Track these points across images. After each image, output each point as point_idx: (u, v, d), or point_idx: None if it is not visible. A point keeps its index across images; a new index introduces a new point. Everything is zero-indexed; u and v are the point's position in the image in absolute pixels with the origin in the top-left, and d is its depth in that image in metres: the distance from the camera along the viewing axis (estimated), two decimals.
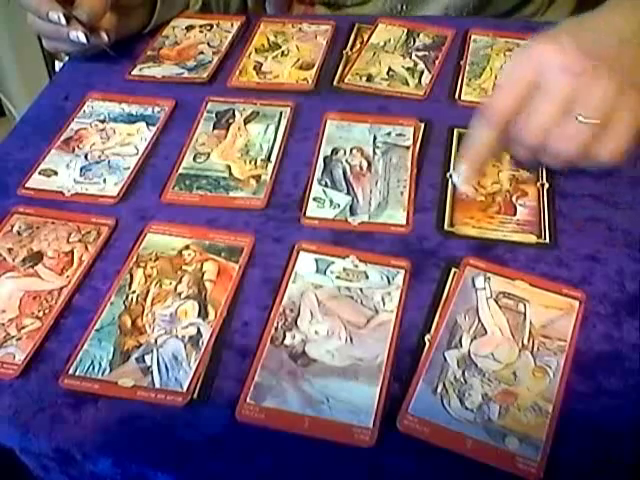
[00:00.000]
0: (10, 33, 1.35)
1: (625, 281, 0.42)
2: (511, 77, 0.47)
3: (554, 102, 0.45)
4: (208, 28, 0.68)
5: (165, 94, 0.60)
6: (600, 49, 0.46)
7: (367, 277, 0.43)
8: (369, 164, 0.52)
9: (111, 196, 0.50)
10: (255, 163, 0.52)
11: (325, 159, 0.52)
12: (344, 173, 0.51)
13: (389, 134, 0.54)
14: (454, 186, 0.49)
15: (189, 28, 0.69)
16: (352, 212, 0.48)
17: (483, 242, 0.45)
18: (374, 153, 0.52)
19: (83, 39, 0.58)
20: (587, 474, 0.34)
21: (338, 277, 0.43)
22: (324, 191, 0.50)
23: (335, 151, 0.53)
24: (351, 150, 0.53)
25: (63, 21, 0.56)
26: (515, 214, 0.47)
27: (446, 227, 0.46)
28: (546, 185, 0.49)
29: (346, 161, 0.52)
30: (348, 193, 0.49)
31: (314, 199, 0.49)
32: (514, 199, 0.48)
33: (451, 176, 0.49)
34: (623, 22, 0.48)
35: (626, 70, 0.45)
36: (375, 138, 0.54)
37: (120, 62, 0.64)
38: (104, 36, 0.60)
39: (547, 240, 0.45)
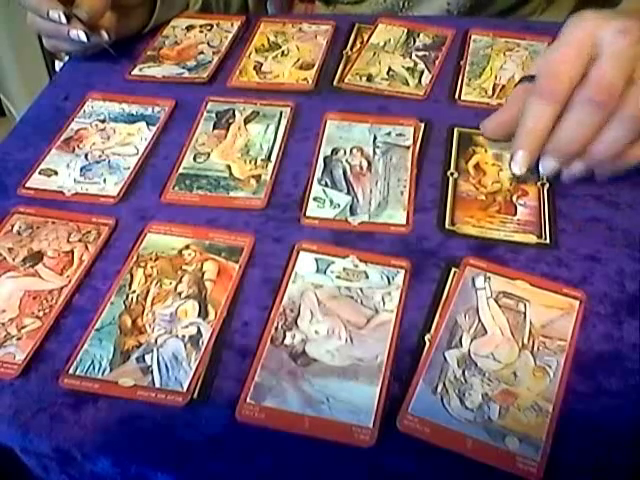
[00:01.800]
0: (10, 33, 1.35)
1: (625, 281, 0.42)
2: (566, 45, 0.43)
3: (618, 64, 0.42)
4: (208, 28, 0.68)
5: (165, 94, 0.60)
6: (633, 22, 0.43)
7: (367, 277, 0.43)
8: (369, 164, 0.52)
9: (111, 196, 0.50)
10: (255, 163, 0.52)
11: (325, 159, 0.52)
12: (344, 173, 0.51)
13: (389, 134, 0.54)
14: (514, 175, 0.47)
15: (189, 28, 0.69)
16: (352, 212, 0.48)
17: (483, 242, 0.45)
18: (374, 153, 0.52)
19: (83, 38, 0.58)
20: (587, 474, 0.34)
21: (338, 277, 0.43)
22: (324, 191, 0.50)
23: (335, 151, 0.53)
24: (351, 150, 0.53)
25: (63, 20, 0.56)
26: (515, 214, 0.47)
27: (447, 226, 0.46)
28: (546, 185, 0.49)
29: (346, 161, 0.52)
30: (348, 193, 0.49)
31: (314, 199, 0.49)
32: (514, 199, 0.48)
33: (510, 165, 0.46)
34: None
35: None
36: (375, 138, 0.54)
37: (120, 62, 0.64)
38: (104, 35, 0.60)
39: (547, 240, 0.45)
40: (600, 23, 0.43)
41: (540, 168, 0.46)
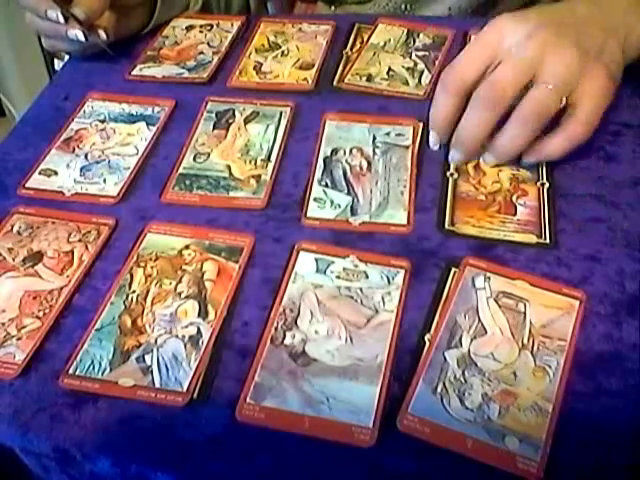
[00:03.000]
0: (10, 33, 1.36)
1: (625, 281, 0.42)
2: (475, 43, 0.48)
3: (519, 65, 0.45)
4: (208, 28, 0.68)
5: (165, 94, 0.60)
6: (563, 24, 0.47)
7: (367, 277, 0.43)
8: (369, 164, 0.52)
9: (111, 196, 0.50)
10: (255, 163, 0.52)
11: (325, 159, 0.52)
12: (344, 173, 0.51)
13: (388, 134, 0.54)
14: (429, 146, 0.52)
15: (189, 28, 0.69)
16: (353, 212, 0.48)
17: (483, 242, 0.45)
18: (374, 153, 0.52)
19: (81, 37, 0.58)
20: (587, 474, 0.34)
21: (338, 277, 0.43)
22: (324, 191, 0.50)
23: (335, 151, 0.53)
24: (351, 150, 0.53)
25: (61, 19, 0.56)
26: (515, 214, 0.47)
27: (447, 226, 0.46)
28: (546, 185, 0.49)
29: (346, 161, 0.52)
30: (348, 193, 0.49)
31: (315, 199, 0.49)
32: (514, 199, 0.48)
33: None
34: (583, 9, 0.49)
35: (588, 45, 0.46)
36: (375, 138, 0.54)
37: (120, 62, 0.64)
38: (102, 34, 0.60)
39: (547, 240, 0.45)
40: (512, 26, 0.46)
41: (449, 158, 0.50)
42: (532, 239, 0.45)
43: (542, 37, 0.45)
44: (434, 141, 0.51)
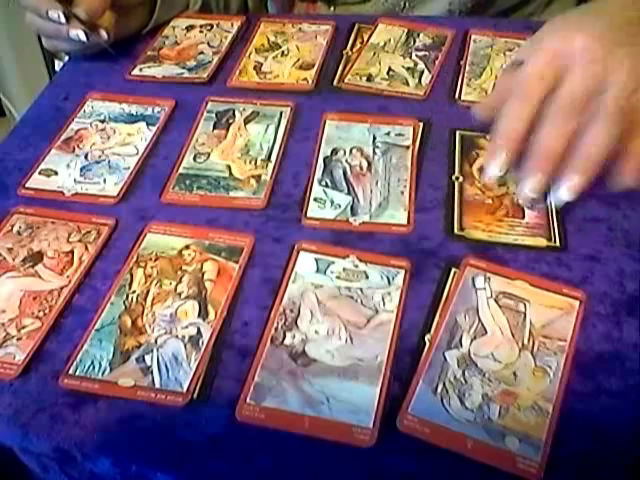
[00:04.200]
0: (10, 33, 1.35)
1: (625, 281, 0.42)
2: (540, 51, 0.44)
3: (587, 73, 0.42)
4: (208, 28, 0.68)
5: (165, 94, 0.60)
6: (610, 31, 0.44)
7: (367, 277, 0.43)
8: (369, 164, 0.52)
9: (111, 196, 0.50)
10: (255, 163, 0.52)
11: (325, 159, 0.52)
12: (344, 173, 0.51)
13: (388, 134, 0.54)
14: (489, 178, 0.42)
15: (189, 28, 0.69)
16: (353, 212, 0.48)
17: (484, 243, 0.45)
18: (374, 153, 0.52)
19: (83, 37, 0.58)
20: (587, 474, 0.34)
21: (338, 277, 0.43)
22: (325, 191, 0.50)
23: (335, 151, 0.53)
24: (351, 150, 0.53)
25: (63, 19, 0.56)
26: (524, 217, 0.47)
27: (456, 231, 0.46)
28: None
29: (346, 161, 0.52)
30: (349, 193, 0.49)
31: (315, 199, 0.49)
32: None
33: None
34: (622, 8, 0.46)
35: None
36: (374, 138, 0.54)
37: (120, 62, 0.64)
38: (103, 34, 0.60)
39: (557, 243, 0.45)
40: (573, 34, 0.44)
41: (525, 190, 0.41)
42: (542, 242, 0.45)
43: (609, 40, 0.43)
44: (502, 165, 0.41)
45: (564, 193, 0.40)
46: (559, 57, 0.44)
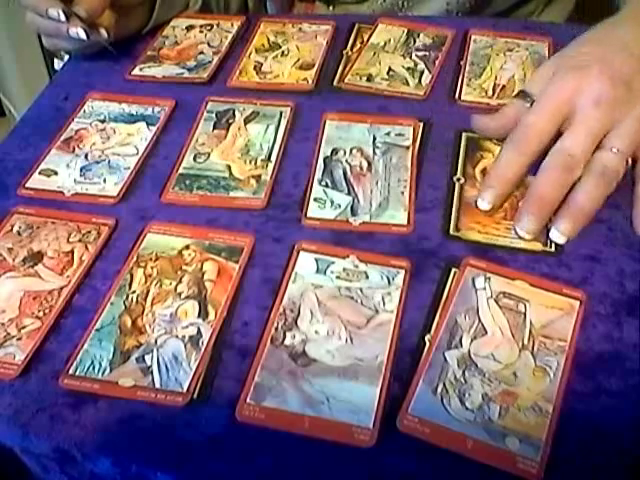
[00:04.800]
0: (10, 33, 1.35)
1: (625, 281, 0.42)
2: (545, 103, 0.48)
3: (590, 131, 0.45)
4: (208, 28, 0.68)
5: (165, 94, 0.60)
6: (629, 73, 0.47)
7: (367, 277, 0.43)
8: (369, 164, 0.52)
9: (111, 196, 0.50)
10: (255, 163, 0.52)
11: (325, 159, 0.52)
12: (344, 173, 0.51)
13: (388, 134, 0.54)
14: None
15: (189, 28, 0.69)
16: (353, 212, 0.48)
17: (484, 243, 0.45)
18: (374, 153, 0.52)
19: (83, 35, 0.58)
20: (587, 474, 0.34)
21: (338, 277, 0.43)
22: (325, 192, 0.50)
23: (335, 151, 0.53)
24: (351, 150, 0.53)
25: (62, 17, 0.56)
26: None
27: (452, 232, 0.46)
28: None
29: (346, 161, 0.52)
30: (349, 193, 0.49)
31: (315, 200, 0.49)
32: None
33: (477, 202, 0.47)
34: (633, 37, 0.49)
35: None
36: (375, 138, 0.54)
37: (120, 62, 0.64)
38: (103, 33, 0.60)
39: (552, 249, 0.45)
40: (579, 85, 0.47)
41: (518, 230, 0.46)
42: (537, 246, 0.45)
43: (608, 102, 0.46)
44: (490, 200, 0.47)
45: (556, 236, 0.45)
46: (567, 104, 0.47)
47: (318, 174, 0.51)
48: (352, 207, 0.48)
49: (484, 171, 0.50)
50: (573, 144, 0.46)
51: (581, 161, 0.45)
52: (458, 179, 0.50)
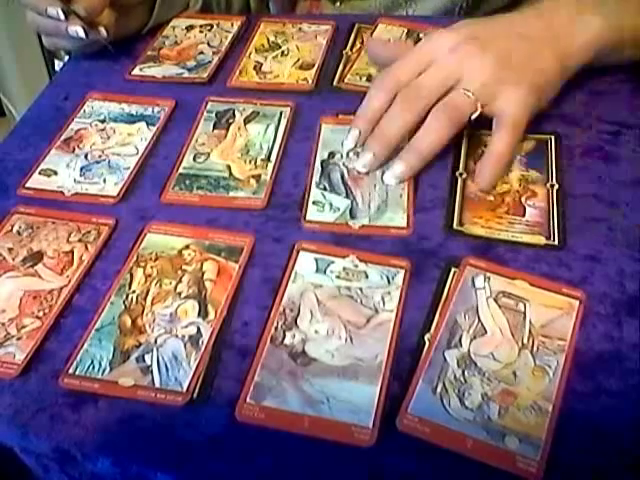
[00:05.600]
0: (10, 33, 1.36)
1: (625, 281, 0.42)
2: (412, 52, 0.52)
3: (441, 73, 0.49)
4: (208, 28, 0.68)
5: (165, 94, 0.60)
6: (493, 37, 0.51)
7: (367, 277, 0.43)
8: None
9: (111, 196, 0.50)
10: (255, 163, 0.52)
11: (322, 163, 0.52)
12: (342, 176, 0.51)
13: None
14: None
15: (189, 28, 0.69)
16: (352, 215, 0.48)
17: (484, 242, 0.45)
18: None
19: (82, 34, 0.58)
20: (587, 474, 0.34)
21: (338, 277, 0.43)
22: (323, 195, 0.49)
23: (332, 154, 0.53)
24: (347, 153, 0.53)
25: (62, 16, 0.57)
26: (524, 215, 0.47)
27: (455, 226, 0.46)
28: (556, 186, 0.48)
29: (343, 164, 0.52)
30: (347, 196, 0.49)
31: (314, 203, 0.49)
32: (523, 200, 0.48)
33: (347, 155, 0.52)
34: (523, 21, 0.53)
35: (514, 58, 0.50)
36: None
37: (120, 62, 0.64)
38: (103, 32, 0.60)
39: (555, 242, 0.45)
40: (444, 37, 0.52)
41: (360, 161, 0.50)
42: (540, 240, 0.45)
43: (466, 49, 0.50)
44: (354, 139, 0.51)
45: (388, 178, 0.50)
46: (429, 53, 0.51)
47: (316, 177, 0.51)
48: (351, 210, 0.48)
49: None
50: (420, 79, 0.50)
51: (426, 95, 0.49)
52: (461, 174, 0.50)
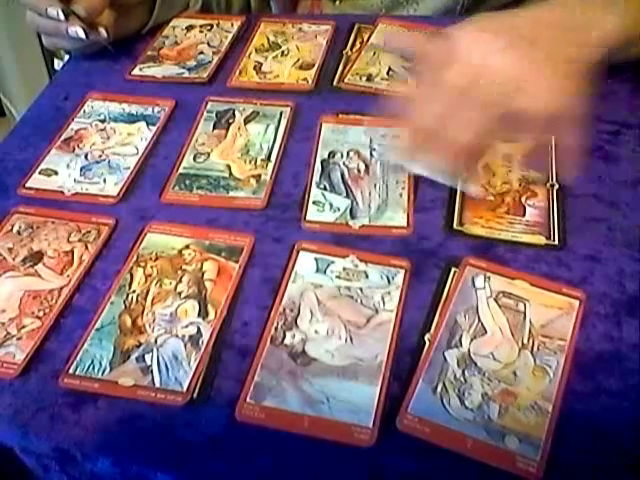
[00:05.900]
0: (10, 33, 1.36)
1: (625, 281, 0.42)
2: (431, 52, 0.48)
3: (465, 72, 0.45)
4: (208, 28, 0.68)
5: (165, 94, 0.60)
6: (515, 29, 0.47)
7: (367, 277, 0.43)
8: (367, 166, 0.52)
9: (111, 196, 0.50)
10: (255, 163, 0.52)
11: (322, 162, 0.52)
12: (342, 176, 0.51)
13: (385, 136, 0.54)
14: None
15: (189, 28, 0.69)
16: (352, 215, 0.48)
17: (484, 242, 0.45)
18: (371, 155, 0.52)
19: (82, 35, 0.58)
20: (587, 474, 0.34)
21: (338, 277, 0.43)
22: (323, 195, 0.49)
23: (332, 154, 0.53)
24: (348, 153, 0.53)
25: (62, 17, 0.57)
26: (524, 215, 0.47)
27: (455, 226, 0.46)
28: (556, 186, 0.48)
29: (343, 164, 0.52)
30: (347, 196, 0.49)
31: (314, 203, 0.49)
32: (524, 200, 0.48)
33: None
34: (546, 14, 0.49)
35: (540, 47, 0.46)
36: (371, 140, 0.54)
37: (120, 62, 0.64)
38: (103, 32, 0.60)
39: (555, 242, 0.45)
40: (463, 37, 0.46)
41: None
42: (541, 240, 0.45)
43: (490, 45, 0.46)
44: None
45: (415, 168, 0.48)
46: (454, 47, 0.46)
47: (316, 177, 0.51)
48: (351, 210, 0.48)
49: (486, 167, 0.50)
50: (450, 77, 0.45)
51: (457, 94, 0.44)
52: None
